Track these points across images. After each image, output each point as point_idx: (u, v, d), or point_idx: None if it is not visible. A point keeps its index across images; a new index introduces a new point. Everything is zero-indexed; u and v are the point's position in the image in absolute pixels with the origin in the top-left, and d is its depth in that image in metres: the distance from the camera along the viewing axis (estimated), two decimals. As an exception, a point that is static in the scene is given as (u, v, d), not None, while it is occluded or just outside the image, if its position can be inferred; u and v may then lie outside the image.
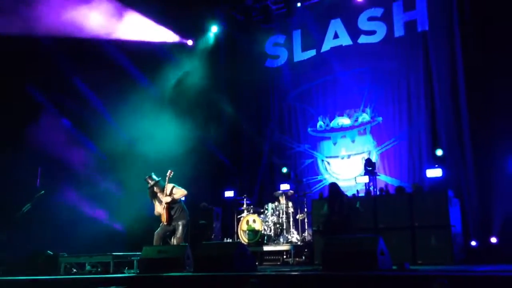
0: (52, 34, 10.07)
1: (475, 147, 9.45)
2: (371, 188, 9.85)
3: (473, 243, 8.78)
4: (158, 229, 8.05)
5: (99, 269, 8.22)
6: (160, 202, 8.01)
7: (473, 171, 9.38)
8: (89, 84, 10.95)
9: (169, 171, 8.03)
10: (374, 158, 10.71)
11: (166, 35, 12.43)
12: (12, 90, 9.93)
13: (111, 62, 10.98)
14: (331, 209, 7.77)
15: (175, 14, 11.94)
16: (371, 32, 11.45)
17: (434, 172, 9.43)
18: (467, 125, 9.67)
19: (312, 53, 12.28)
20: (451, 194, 8.23)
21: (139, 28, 11.57)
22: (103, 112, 11.27)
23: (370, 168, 10.04)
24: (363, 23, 11.58)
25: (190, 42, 13.00)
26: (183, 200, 8.20)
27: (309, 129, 12.03)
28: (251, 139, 12.65)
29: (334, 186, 8.10)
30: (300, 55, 12.50)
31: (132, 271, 7.87)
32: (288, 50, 12.68)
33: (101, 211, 10.52)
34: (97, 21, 10.57)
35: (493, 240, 8.65)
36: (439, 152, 9.62)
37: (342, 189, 10.70)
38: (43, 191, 9.27)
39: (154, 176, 8.11)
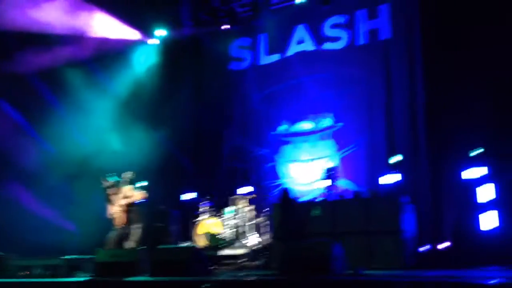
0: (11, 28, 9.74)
1: (430, 155, 9.69)
2: (330, 193, 9.95)
3: (426, 248, 8.99)
4: (113, 231, 7.91)
5: (50, 273, 7.97)
6: (114, 204, 7.86)
7: (427, 178, 9.62)
8: (42, 77, 10.61)
9: (128, 172, 7.91)
10: (334, 163, 10.84)
11: (128, 33, 12.24)
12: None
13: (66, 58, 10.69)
14: (283, 215, 7.84)
15: (139, 11, 11.78)
16: (335, 39, 11.61)
17: (391, 178, 9.62)
18: (423, 133, 9.92)
19: (277, 57, 12.34)
20: (406, 199, 8.41)
21: (100, 25, 11.33)
22: (56, 107, 10.94)
23: (330, 173, 10.15)
24: (327, 29, 11.73)
25: (153, 41, 12.83)
26: (140, 203, 8.08)
27: (271, 132, 12.07)
28: (212, 141, 12.58)
29: (285, 192, 8.21)
30: (265, 59, 12.54)
31: (85, 275, 7.67)
32: (253, 53, 12.70)
33: (52, 211, 10.20)
34: (55, 15, 10.28)
35: (445, 245, 8.90)
36: (394, 159, 9.82)
37: (302, 193, 10.92)
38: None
39: (111, 177, 7.96)
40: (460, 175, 8.95)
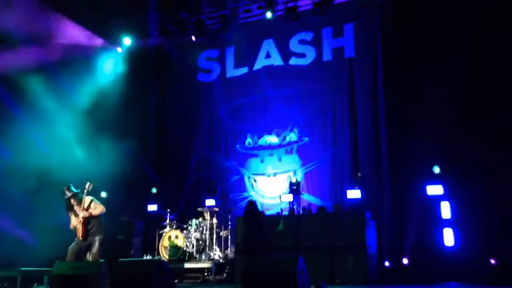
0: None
1: (392, 172, 9.94)
2: (295, 207, 10.04)
3: (387, 263, 9.18)
4: (73, 243, 7.66)
5: (5, 285, 7.65)
6: (77, 215, 7.65)
7: (389, 194, 9.86)
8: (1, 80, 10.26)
9: (88, 183, 7.71)
10: (299, 177, 10.96)
11: (94, 40, 12.03)
12: None
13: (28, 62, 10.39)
14: (248, 228, 7.82)
15: (106, 19, 11.61)
16: (302, 55, 11.80)
17: (354, 194, 9.80)
18: (385, 150, 10.17)
19: (244, 70, 12.41)
20: (368, 215, 8.59)
21: (65, 30, 11.09)
22: (15, 113, 10.58)
23: (295, 187, 10.25)
24: (294, 45, 11.90)
25: (119, 49, 12.67)
26: (101, 214, 7.88)
27: (237, 145, 12.09)
28: (178, 152, 12.47)
29: (251, 205, 8.20)
30: (233, 71, 12.58)
31: (42, 287, 7.40)
32: (221, 66, 12.72)
33: (10, 221, 9.80)
34: (18, 17, 9.99)
35: (405, 261, 9.11)
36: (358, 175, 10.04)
37: (267, 206, 10.95)
38: None
39: (72, 188, 7.74)
40: (422, 190, 9.21)
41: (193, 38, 12.63)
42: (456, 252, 8.69)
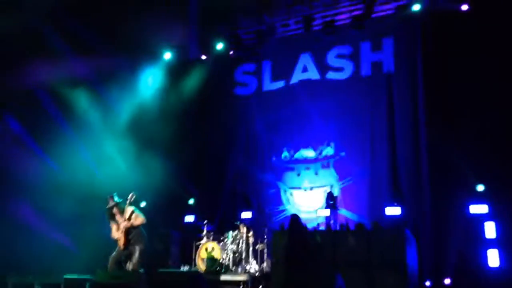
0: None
1: (433, 189, 9.72)
2: (331, 222, 9.95)
3: (427, 283, 8.95)
4: (114, 252, 7.84)
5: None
6: (118, 225, 7.82)
7: (430, 212, 9.63)
8: (48, 93, 10.66)
9: (131, 194, 7.90)
10: (336, 192, 10.86)
11: (136, 54, 12.34)
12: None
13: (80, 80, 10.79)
14: (292, 242, 7.73)
15: (147, 32, 11.92)
16: (339, 69, 11.76)
17: (393, 210, 9.63)
18: (426, 166, 9.96)
19: (281, 84, 12.46)
20: (408, 233, 8.42)
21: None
22: (62, 126, 10.98)
23: (332, 202, 10.18)
24: (331, 59, 11.89)
25: (162, 59, 12.90)
26: (141, 224, 8.03)
27: (273, 158, 12.11)
28: (215, 164, 12.57)
29: (295, 218, 8.06)
30: (269, 85, 12.65)
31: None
32: (258, 80, 12.81)
33: (54, 229, 10.12)
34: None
35: (447, 281, 8.86)
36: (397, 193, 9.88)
37: (304, 220, 10.86)
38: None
39: (115, 197, 7.95)
40: (465, 209, 8.97)
41: (231, 52, 12.79)
42: (501, 273, 8.39)
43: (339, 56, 11.84)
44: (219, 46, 12.80)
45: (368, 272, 8.00)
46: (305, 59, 12.23)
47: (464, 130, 9.39)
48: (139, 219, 7.91)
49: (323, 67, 11.94)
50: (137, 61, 12.32)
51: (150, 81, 12.53)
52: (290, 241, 7.75)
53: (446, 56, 9.93)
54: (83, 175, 10.23)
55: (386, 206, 9.83)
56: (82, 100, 10.88)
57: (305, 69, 12.19)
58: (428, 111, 10.20)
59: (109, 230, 7.97)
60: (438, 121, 9.87)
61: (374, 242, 8.14)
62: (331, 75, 11.85)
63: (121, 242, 7.81)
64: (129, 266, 7.84)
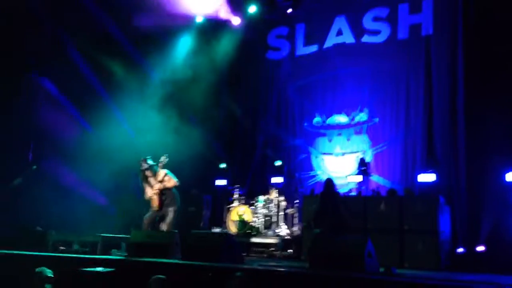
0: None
1: (469, 155, 9.47)
2: (363, 188, 9.88)
3: (460, 250, 8.85)
4: (148, 213, 8.07)
5: (87, 249, 8.21)
6: (152, 187, 8.01)
7: (465, 179, 9.41)
8: (89, 63, 10.82)
9: (163, 156, 8.03)
10: (368, 158, 10.73)
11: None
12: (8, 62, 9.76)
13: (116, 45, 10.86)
14: (324, 205, 7.72)
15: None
16: (375, 32, 11.40)
17: (427, 177, 9.47)
18: (462, 132, 9.68)
19: (314, 48, 12.21)
20: (442, 200, 8.28)
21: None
22: (100, 91, 11.18)
23: (364, 168, 10.08)
24: (367, 22, 11.52)
25: (199, 19, 12.74)
26: (174, 186, 8.20)
27: (305, 124, 12.02)
28: (246, 129, 12.61)
29: (330, 182, 8.01)
30: (302, 50, 12.42)
31: (119, 253, 7.87)
32: (291, 43, 12.60)
33: (91, 190, 10.48)
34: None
35: (480, 248, 8.73)
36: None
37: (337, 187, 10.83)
38: (35, 166, 9.22)
39: (149, 160, 8.11)
40: (501, 177, 8.72)
41: (264, 15, 12.57)
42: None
43: (376, 18, 11.45)
44: (252, 9, 12.58)
45: (400, 239, 7.97)
46: (340, 22, 11.91)
47: (503, 96, 9.01)
48: (172, 181, 8.07)
49: (358, 31, 11.61)
50: (172, 27, 12.24)
51: (182, 45, 12.45)
52: (322, 204, 7.76)
53: (487, 18, 9.44)
54: (118, 139, 10.46)
55: (419, 173, 9.67)
56: (118, 65, 10.98)
57: (339, 33, 11.88)
58: (467, 75, 9.82)
59: (143, 192, 8.17)
60: (477, 86, 9.50)
61: (406, 209, 8.06)
62: (367, 38, 11.51)
63: (155, 203, 8.02)
64: (163, 226, 8.07)
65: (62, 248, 8.25)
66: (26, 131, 10.11)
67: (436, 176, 9.42)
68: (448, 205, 8.58)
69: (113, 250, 8.01)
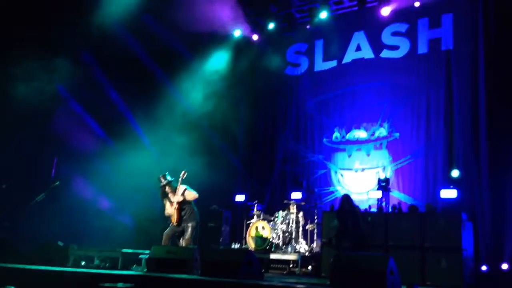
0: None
1: (491, 171, 9.33)
2: (383, 204, 9.77)
3: (484, 268, 8.65)
4: (168, 229, 8.09)
5: (107, 264, 8.28)
6: (171, 202, 8.05)
7: (488, 195, 9.25)
8: (114, 83, 11.04)
9: (183, 172, 8.08)
10: (388, 174, 10.64)
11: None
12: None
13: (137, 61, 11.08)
14: (343, 222, 7.65)
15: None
16: (394, 47, 11.40)
17: (449, 193, 9.31)
18: (485, 147, 9.55)
19: (333, 63, 12.26)
20: (465, 216, 8.13)
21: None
22: (123, 110, 11.39)
23: (384, 184, 9.97)
24: (387, 37, 11.53)
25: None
26: (194, 202, 8.23)
27: (324, 139, 12.00)
28: (265, 145, 12.66)
29: (347, 198, 7.96)
30: (321, 65, 12.48)
31: (139, 268, 7.91)
32: (309, 59, 12.68)
33: (113, 205, 10.61)
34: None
35: (504, 266, 8.52)
36: (455, 173, 9.53)
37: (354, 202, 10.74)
38: (58, 182, 9.39)
39: (167, 176, 8.16)
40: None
41: (283, 31, 12.67)
42: None
43: (395, 33, 11.46)
44: (271, 25, 12.70)
45: (421, 256, 7.83)
46: (359, 38, 11.95)
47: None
48: (192, 194, 8.09)
49: (377, 45, 11.63)
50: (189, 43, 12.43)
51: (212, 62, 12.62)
52: (340, 221, 7.70)
53: (509, 31, 9.34)
54: (139, 155, 10.59)
55: (441, 189, 9.52)
56: (143, 85, 11.19)
57: (358, 48, 11.91)
58: (489, 89, 9.72)
59: (163, 208, 8.21)
60: (499, 100, 9.42)
61: (428, 225, 7.93)
62: (386, 53, 11.51)
63: (174, 219, 8.05)
64: (182, 242, 8.09)
65: (83, 263, 8.34)
66: (50, 147, 10.31)
67: (458, 191, 9.26)
68: (470, 222, 8.42)
69: (134, 266, 8.07)
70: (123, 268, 7.75)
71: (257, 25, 12.97)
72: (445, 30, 10.76)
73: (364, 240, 7.42)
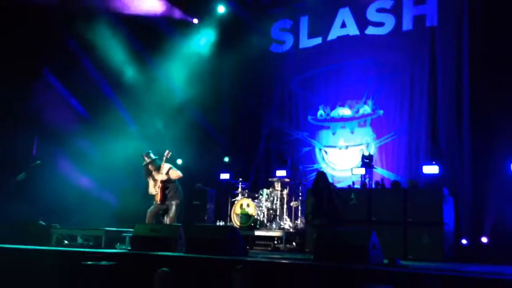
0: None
1: (474, 147, 9.43)
2: (367, 181, 9.85)
3: (464, 241, 8.82)
4: (151, 207, 8.06)
5: (90, 243, 8.24)
6: (155, 181, 8.00)
7: (469, 171, 9.36)
8: (88, 52, 10.80)
9: (167, 151, 8.02)
10: (372, 151, 10.70)
11: (171, 11, 12.25)
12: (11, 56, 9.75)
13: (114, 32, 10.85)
14: (318, 199, 7.73)
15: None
16: (379, 24, 11.33)
17: (431, 169, 9.42)
18: (467, 124, 9.63)
19: (318, 40, 12.16)
20: (446, 192, 8.24)
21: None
22: (105, 88, 11.19)
23: (367, 161, 10.03)
24: (371, 14, 11.44)
25: (195, 21, 12.82)
26: (177, 180, 8.20)
27: (309, 117, 11.98)
28: (250, 122, 12.60)
29: (322, 175, 8.04)
30: (306, 42, 12.37)
31: (123, 247, 7.89)
32: (294, 36, 12.55)
33: (95, 184, 10.50)
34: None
35: (484, 240, 8.70)
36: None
37: (338, 179, 10.83)
38: (39, 161, 9.23)
39: (151, 154, 8.09)
40: (505, 168, 8.65)
41: (267, 8, 12.50)
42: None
43: (380, 10, 11.37)
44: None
45: (404, 231, 7.94)
46: (344, 14, 11.84)
47: (509, 87, 8.93)
48: (176, 173, 8.06)
49: (362, 22, 11.53)
50: (174, 19, 12.20)
51: (188, 39, 12.40)
52: (315, 198, 7.77)
53: (494, 10, 9.35)
54: (123, 133, 10.47)
55: (424, 165, 9.62)
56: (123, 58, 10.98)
57: (343, 25, 11.81)
58: (472, 67, 9.74)
59: (146, 186, 8.16)
60: (482, 77, 9.43)
61: (410, 201, 8.03)
62: (371, 30, 11.43)
63: (159, 197, 8.01)
64: (166, 220, 8.08)
65: (66, 242, 8.28)
66: (31, 126, 10.12)
67: (440, 168, 9.36)
68: (452, 197, 8.54)
69: (117, 244, 8.04)
70: (106, 247, 7.71)
71: (241, 1, 12.76)
72: (430, 6, 10.69)
73: (339, 216, 7.51)
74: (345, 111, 11.53)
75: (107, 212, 10.13)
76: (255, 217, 9.98)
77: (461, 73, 9.93)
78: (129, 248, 7.31)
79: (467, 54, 9.89)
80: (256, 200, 10.27)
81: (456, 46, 10.13)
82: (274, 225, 9.88)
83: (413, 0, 10.96)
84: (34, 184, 9.16)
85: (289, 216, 10.18)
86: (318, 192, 7.88)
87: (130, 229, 7.66)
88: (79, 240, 8.32)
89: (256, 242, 9.67)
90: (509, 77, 8.99)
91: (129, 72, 11.17)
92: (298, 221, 10.08)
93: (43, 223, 8.30)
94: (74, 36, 10.48)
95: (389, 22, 11.19)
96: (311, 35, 12.29)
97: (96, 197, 10.42)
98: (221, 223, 10.48)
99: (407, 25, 10.98)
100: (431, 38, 10.58)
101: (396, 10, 11.12)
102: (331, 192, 7.83)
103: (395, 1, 11.15)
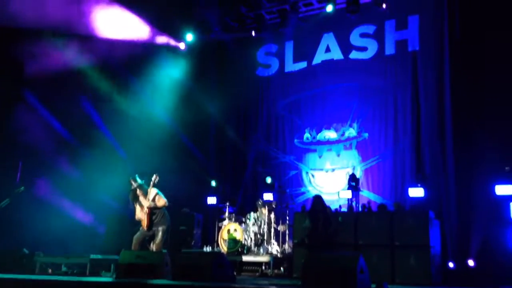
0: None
1: (458, 169, 9.57)
2: (354, 204, 9.89)
3: (451, 264, 8.86)
4: (138, 233, 7.95)
5: (75, 271, 8.09)
6: (142, 206, 7.92)
7: (454, 193, 9.49)
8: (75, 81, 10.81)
9: (154, 175, 7.96)
10: (358, 174, 10.78)
11: (156, 37, 12.36)
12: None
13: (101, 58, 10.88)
14: (315, 222, 7.71)
15: (168, 16, 11.89)
16: (363, 49, 11.56)
17: (416, 192, 9.50)
18: (451, 147, 9.79)
19: (303, 64, 12.34)
20: (432, 215, 8.30)
21: (128, 27, 11.44)
22: (87, 109, 11.16)
23: (354, 184, 10.09)
24: (355, 39, 11.68)
25: (182, 46, 12.94)
26: (164, 206, 8.12)
27: (295, 140, 12.06)
28: (236, 146, 12.62)
29: (318, 199, 8.04)
30: (291, 66, 12.54)
31: (109, 274, 7.75)
32: (280, 60, 12.72)
33: (80, 210, 10.37)
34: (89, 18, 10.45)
35: (471, 263, 8.74)
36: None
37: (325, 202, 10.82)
38: (22, 187, 9.10)
39: (138, 179, 8.02)
40: (490, 190, 8.77)
41: (253, 33, 12.66)
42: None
43: (363, 35, 11.63)
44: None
45: (391, 254, 7.93)
46: (328, 39, 12.07)
47: (491, 111, 9.14)
48: (161, 201, 7.98)
49: (346, 47, 11.77)
50: (158, 44, 12.30)
51: (172, 63, 12.49)
52: (312, 221, 7.74)
53: (473, 33, 9.61)
54: (109, 156, 10.40)
55: (409, 187, 9.70)
56: (106, 83, 10.99)
57: (328, 49, 12.03)
58: (454, 90, 9.96)
59: (133, 211, 8.08)
60: (465, 101, 9.63)
61: (397, 224, 8.06)
62: (354, 54, 11.66)
63: (145, 223, 7.92)
64: (153, 246, 7.97)
65: (50, 270, 8.12)
66: (15, 151, 10.01)
67: (425, 190, 9.46)
68: (437, 220, 8.60)
69: (102, 271, 7.91)
70: (91, 275, 7.57)
71: (227, 26, 12.92)
72: (411, 31, 10.98)
73: (332, 239, 7.49)
74: (331, 134, 11.64)
75: (92, 239, 9.97)
76: (243, 242, 9.91)
77: (443, 96, 10.15)
78: (115, 276, 7.18)
79: (448, 77, 10.14)
80: (243, 225, 10.21)
81: (438, 69, 10.37)
82: (261, 250, 9.82)
83: (394, 26, 11.23)
84: (17, 211, 9.01)
85: (277, 240, 10.12)
86: (315, 215, 7.85)
87: (115, 256, 7.53)
88: (63, 268, 8.16)
89: (244, 267, 9.57)
90: (492, 98, 9.19)
91: (116, 97, 11.17)
92: (286, 246, 10.02)
93: (27, 251, 8.14)
94: (59, 61, 10.48)
95: (372, 47, 11.43)
96: (296, 60, 12.48)
97: (80, 223, 10.27)
98: (209, 249, 10.37)
99: (389, 49, 11.22)
100: (413, 62, 10.83)
101: (378, 35, 11.38)
102: (327, 216, 7.81)
103: (378, 26, 11.41)
